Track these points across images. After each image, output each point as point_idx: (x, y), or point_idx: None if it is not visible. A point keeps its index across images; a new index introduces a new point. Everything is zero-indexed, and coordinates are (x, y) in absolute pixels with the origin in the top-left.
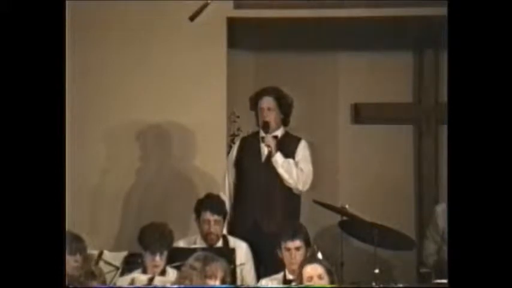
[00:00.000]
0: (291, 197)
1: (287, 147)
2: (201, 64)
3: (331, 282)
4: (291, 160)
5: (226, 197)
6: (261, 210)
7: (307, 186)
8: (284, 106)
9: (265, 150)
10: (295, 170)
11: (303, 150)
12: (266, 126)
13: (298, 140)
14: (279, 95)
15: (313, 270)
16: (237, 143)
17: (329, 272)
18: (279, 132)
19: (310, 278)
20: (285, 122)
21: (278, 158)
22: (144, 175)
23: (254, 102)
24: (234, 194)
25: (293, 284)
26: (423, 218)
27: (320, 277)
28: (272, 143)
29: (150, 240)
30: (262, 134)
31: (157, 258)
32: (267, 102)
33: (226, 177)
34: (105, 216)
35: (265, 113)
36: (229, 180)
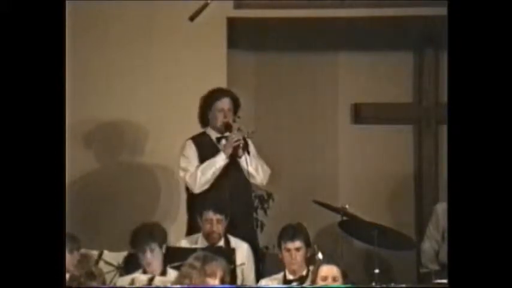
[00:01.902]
0: (250, 191)
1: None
2: (201, 64)
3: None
4: (252, 158)
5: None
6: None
7: (266, 180)
8: (236, 107)
9: (225, 151)
10: (260, 167)
11: (252, 146)
12: (228, 128)
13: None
14: (233, 96)
15: (329, 271)
16: (191, 146)
17: (344, 275)
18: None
19: (325, 278)
20: (232, 120)
21: (247, 158)
22: (144, 174)
23: (208, 103)
24: (202, 196)
25: (293, 284)
26: (423, 218)
27: (335, 279)
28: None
29: (139, 240)
30: (216, 134)
31: (149, 255)
32: (226, 103)
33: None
34: (105, 216)
35: (226, 113)
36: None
